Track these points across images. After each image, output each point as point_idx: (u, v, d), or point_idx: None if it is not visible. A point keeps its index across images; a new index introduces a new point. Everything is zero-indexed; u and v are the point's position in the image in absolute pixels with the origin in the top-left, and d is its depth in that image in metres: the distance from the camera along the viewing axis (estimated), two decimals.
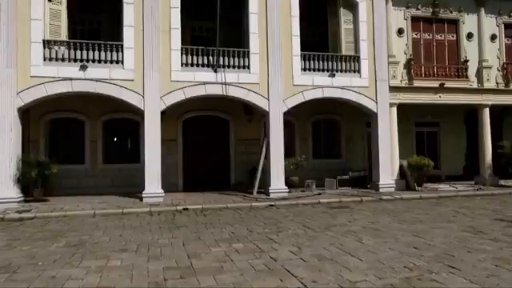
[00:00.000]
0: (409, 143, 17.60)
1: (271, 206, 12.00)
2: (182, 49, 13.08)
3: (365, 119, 17.29)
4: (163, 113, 14.00)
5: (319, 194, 13.75)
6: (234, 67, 13.49)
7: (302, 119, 16.89)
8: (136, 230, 8.46)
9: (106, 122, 15.33)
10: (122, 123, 15.36)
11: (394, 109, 15.12)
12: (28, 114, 14.39)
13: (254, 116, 16.10)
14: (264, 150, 13.87)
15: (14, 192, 11.67)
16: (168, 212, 11.07)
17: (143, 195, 12.45)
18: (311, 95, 14.10)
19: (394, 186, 14.55)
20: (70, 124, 14.97)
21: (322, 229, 8.20)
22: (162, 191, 12.68)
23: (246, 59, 13.61)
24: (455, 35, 16.21)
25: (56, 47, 12.17)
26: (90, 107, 14.76)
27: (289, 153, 14.75)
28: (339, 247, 6.51)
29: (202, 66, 13.24)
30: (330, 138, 17.61)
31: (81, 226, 9.23)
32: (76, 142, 15.00)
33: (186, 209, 11.41)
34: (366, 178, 15.82)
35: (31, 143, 14.48)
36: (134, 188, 13.42)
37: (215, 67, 13.25)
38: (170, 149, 15.43)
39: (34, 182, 12.29)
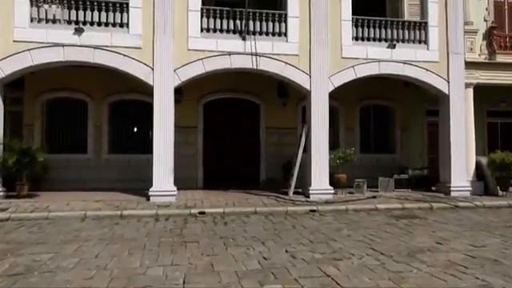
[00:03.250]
0: (479, 136, 14.20)
1: (313, 211, 9.17)
2: (202, 10, 10.38)
3: (425, 106, 14.24)
4: (179, 92, 11.48)
5: (373, 197, 10.76)
6: (267, 34, 10.66)
7: (347, 104, 13.89)
8: (124, 246, 5.83)
9: (114, 104, 12.86)
10: (132, 106, 12.87)
11: (471, 90, 11.85)
12: (22, 94, 12.21)
13: (290, 99, 13.23)
14: (303, 139, 11.00)
15: None
16: (179, 216, 8.45)
17: (150, 193, 9.89)
18: (364, 71, 11.09)
19: (470, 189, 11.34)
20: (71, 106, 12.59)
21: (403, 256, 5.29)
22: (175, 189, 10.08)
23: (283, 24, 10.75)
24: None
25: (46, 5, 9.75)
26: (95, 85, 12.35)
27: (331, 145, 11.76)
28: None
29: (227, 31, 10.49)
30: (382, 128, 14.51)
31: (57, 234, 6.76)
32: (78, 127, 12.61)
33: (203, 213, 8.77)
34: (428, 178, 12.65)
35: (25, 128, 12.24)
36: (144, 183, 10.73)
37: (243, 34, 10.48)
38: (189, 137, 12.86)
39: (19, 173, 9.94)
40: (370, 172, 12.91)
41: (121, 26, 9.97)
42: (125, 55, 9.88)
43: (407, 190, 12.15)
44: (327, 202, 9.97)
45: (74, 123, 12.59)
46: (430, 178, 12.59)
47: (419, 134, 14.44)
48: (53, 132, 12.49)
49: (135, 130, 13.05)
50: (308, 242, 6.12)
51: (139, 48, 9.98)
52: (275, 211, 9.07)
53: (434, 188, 12.18)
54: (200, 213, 8.77)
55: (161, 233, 6.89)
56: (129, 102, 12.81)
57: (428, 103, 13.95)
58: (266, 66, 10.55)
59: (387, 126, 14.57)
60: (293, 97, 13.16)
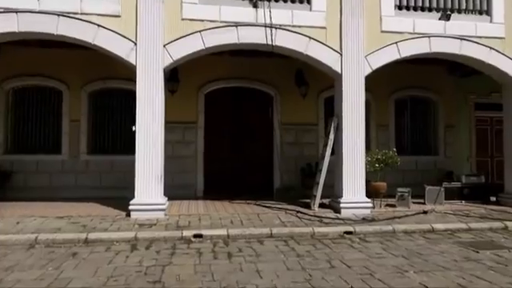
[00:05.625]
0: None
1: (348, 233, 6.73)
2: None
3: (472, 98, 11.87)
4: (174, 79, 9.43)
5: (424, 212, 8.23)
6: (285, 1, 8.25)
7: (379, 96, 11.40)
8: None
9: (95, 94, 10.56)
10: (118, 96, 10.57)
11: None
12: None
13: (311, 88, 10.82)
14: (331, 137, 8.51)
15: None
16: (165, 242, 6.08)
17: (131, 207, 7.50)
18: (411, 49, 8.57)
19: None
20: (42, 96, 10.36)
21: None
22: (164, 201, 7.70)
23: None
24: None
25: None
26: (72, 71, 10.14)
27: None
28: None
29: None
30: (421, 124, 12.05)
31: None
32: (50, 121, 10.36)
33: (199, 235, 6.37)
34: (488, 187, 10.10)
35: None
36: (131, 191, 8.24)
37: (255, 0, 8.08)
38: (186, 135, 10.55)
39: None
40: (408, 178, 10.64)
41: None
42: (99, 25, 7.50)
43: (460, 201, 9.65)
44: (365, 220, 7.51)
45: (46, 117, 10.35)
46: (489, 186, 10.07)
47: (466, 131, 11.96)
48: (19, 128, 10.25)
49: (121, 125, 10.66)
50: None
51: (118, 16, 7.59)
52: (298, 233, 6.64)
53: (493, 199, 9.66)
54: (195, 236, 6.38)
55: (130, 277, 4.48)
56: (114, 91, 10.53)
57: (476, 95, 11.65)
58: (284, 41, 8.09)
59: (427, 122, 12.09)
60: (313, 86, 10.78)
